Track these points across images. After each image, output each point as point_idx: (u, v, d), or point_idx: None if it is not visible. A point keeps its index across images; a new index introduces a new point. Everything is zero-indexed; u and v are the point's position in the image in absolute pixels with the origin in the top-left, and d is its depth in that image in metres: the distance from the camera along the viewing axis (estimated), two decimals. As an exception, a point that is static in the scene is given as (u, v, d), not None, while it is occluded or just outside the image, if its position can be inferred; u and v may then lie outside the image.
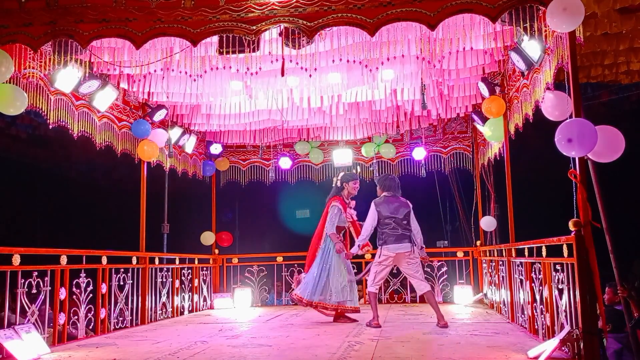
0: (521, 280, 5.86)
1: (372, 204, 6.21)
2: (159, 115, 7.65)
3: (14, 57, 5.15)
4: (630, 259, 9.63)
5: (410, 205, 6.20)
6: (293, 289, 7.06)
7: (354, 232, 6.79)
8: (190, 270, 8.67)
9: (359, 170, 9.76)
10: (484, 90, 7.06)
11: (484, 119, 7.60)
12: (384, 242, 6.08)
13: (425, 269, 6.68)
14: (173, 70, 6.28)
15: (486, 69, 6.85)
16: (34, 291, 5.24)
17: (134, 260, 7.10)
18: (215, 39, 5.18)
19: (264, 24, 4.88)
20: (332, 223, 6.59)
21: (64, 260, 5.71)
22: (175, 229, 9.73)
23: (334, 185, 6.88)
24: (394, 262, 6.13)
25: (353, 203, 6.87)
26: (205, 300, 9.16)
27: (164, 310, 7.83)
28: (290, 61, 5.90)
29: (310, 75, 6.33)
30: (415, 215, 6.19)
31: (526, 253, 5.50)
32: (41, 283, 5.34)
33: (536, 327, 5.19)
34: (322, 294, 6.46)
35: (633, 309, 6.83)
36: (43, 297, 5.38)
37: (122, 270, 6.85)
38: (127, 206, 8.79)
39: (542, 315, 4.99)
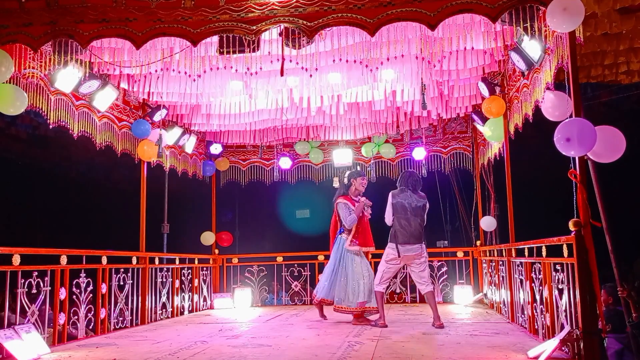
0: (521, 280, 5.86)
1: (390, 195, 6.17)
2: (159, 115, 7.66)
3: (14, 57, 5.15)
4: (631, 259, 9.62)
5: (427, 203, 6.15)
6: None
7: (359, 231, 6.57)
8: (190, 270, 8.67)
9: (359, 170, 9.77)
10: (484, 90, 7.06)
11: (484, 119, 7.60)
12: (394, 240, 6.03)
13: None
14: (173, 70, 6.28)
15: (486, 69, 6.85)
16: (34, 291, 5.24)
17: (134, 260, 7.10)
18: (215, 39, 5.18)
19: (264, 24, 4.88)
20: (346, 216, 6.48)
21: (64, 260, 5.72)
22: (175, 229, 9.73)
23: (335, 185, 6.84)
24: (402, 261, 6.10)
25: (364, 199, 6.69)
26: (205, 300, 9.16)
27: (164, 310, 7.83)
28: (290, 61, 5.90)
29: (310, 75, 6.33)
30: None
31: (526, 253, 5.50)
32: (41, 283, 5.34)
33: (536, 327, 5.19)
34: (338, 295, 6.40)
35: (632, 309, 6.83)
36: (43, 297, 5.38)
37: (122, 270, 6.85)
38: (127, 206, 8.79)
39: (542, 315, 4.99)
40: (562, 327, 4.35)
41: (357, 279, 6.38)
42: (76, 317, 5.90)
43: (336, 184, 9.73)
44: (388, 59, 6.13)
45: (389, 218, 6.12)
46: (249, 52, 5.10)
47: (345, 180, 6.77)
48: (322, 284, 6.66)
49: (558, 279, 4.50)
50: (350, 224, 6.49)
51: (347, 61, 6.18)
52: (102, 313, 6.31)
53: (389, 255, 6.09)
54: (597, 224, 4.11)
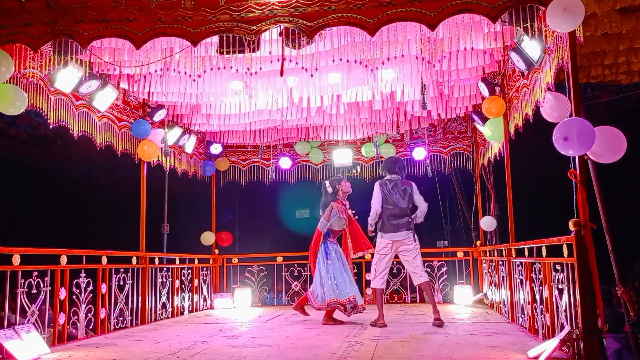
0: (521, 280, 5.86)
1: (377, 185, 6.23)
2: (159, 115, 7.66)
3: (14, 57, 5.14)
4: (631, 259, 9.63)
5: (413, 185, 6.18)
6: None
7: (349, 235, 6.68)
8: (190, 270, 8.67)
9: (359, 170, 9.78)
10: (484, 90, 7.06)
11: (484, 119, 7.60)
12: (382, 230, 6.12)
13: (425, 269, 6.63)
14: (173, 70, 6.28)
15: (486, 69, 6.85)
16: (34, 291, 5.24)
17: (134, 260, 7.10)
18: (215, 39, 5.18)
19: (264, 24, 4.88)
20: (324, 222, 6.49)
21: (64, 260, 5.72)
22: (175, 229, 9.72)
23: (324, 189, 6.72)
24: (393, 249, 6.13)
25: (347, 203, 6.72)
26: (205, 300, 9.16)
27: (164, 310, 7.83)
28: (290, 61, 5.90)
29: (310, 75, 6.33)
30: None
31: (526, 253, 5.50)
32: (41, 283, 5.34)
33: (536, 327, 5.19)
34: (332, 292, 6.36)
35: (630, 309, 6.83)
36: (43, 297, 5.38)
37: (122, 270, 6.85)
38: (127, 206, 8.79)
39: (542, 315, 4.99)
40: (562, 327, 4.35)
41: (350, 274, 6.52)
42: (76, 317, 5.90)
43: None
44: (388, 59, 6.13)
45: (377, 207, 6.12)
46: (249, 52, 5.10)
47: (330, 190, 6.63)
48: (333, 285, 6.44)
49: (558, 279, 4.50)
50: (321, 228, 6.53)
51: (347, 61, 6.19)
52: (102, 313, 6.31)
53: (379, 245, 6.16)
54: (593, 225, 4.10)
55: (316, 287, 6.47)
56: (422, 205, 6.19)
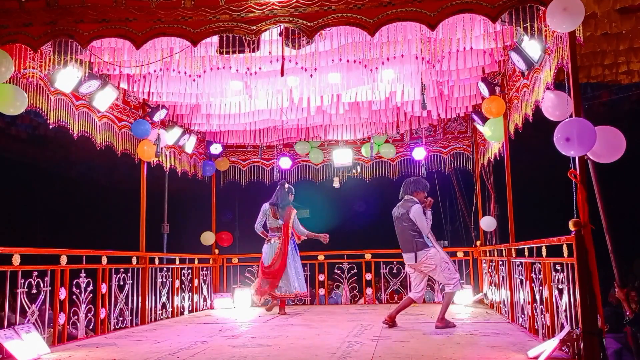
0: (521, 280, 5.86)
1: None
2: (159, 115, 7.66)
3: (14, 57, 5.14)
4: (631, 259, 9.62)
5: (412, 207, 5.98)
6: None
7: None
8: (190, 270, 8.67)
9: (359, 170, 9.77)
10: (484, 90, 7.06)
11: (484, 119, 7.60)
12: None
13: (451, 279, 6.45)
14: (173, 70, 6.28)
15: (486, 69, 6.84)
16: (34, 291, 5.24)
17: (134, 260, 7.10)
18: (215, 39, 5.18)
19: (264, 24, 4.88)
20: (298, 225, 7.99)
21: (64, 260, 5.72)
22: (175, 229, 9.72)
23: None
24: (415, 268, 6.05)
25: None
26: (205, 300, 9.16)
27: (164, 310, 7.83)
28: (290, 61, 5.90)
29: (310, 75, 6.33)
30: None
31: (526, 253, 5.50)
32: (41, 283, 5.34)
33: (536, 327, 5.20)
34: (300, 285, 7.72)
35: (626, 308, 6.83)
36: (43, 297, 5.38)
37: (122, 270, 6.85)
38: (127, 206, 8.78)
39: (542, 315, 4.99)
40: (562, 327, 4.35)
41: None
42: (76, 317, 5.90)
43: (336, 184, 9.82)
44: (388, 59, 6.12)
45: None
46: (249, 52, 5.10)
47: (287, 192, 7.94)
48: (300, 281, 7.78)
49: (558, 279, 4.50)
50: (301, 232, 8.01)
51: (347, 61, 6.18)
52: (102, 313, 6.31)
53: None
54: (592, 226, 4.10)
55: (289, 278, 7.58)
56: (422, 229, 5.96)
